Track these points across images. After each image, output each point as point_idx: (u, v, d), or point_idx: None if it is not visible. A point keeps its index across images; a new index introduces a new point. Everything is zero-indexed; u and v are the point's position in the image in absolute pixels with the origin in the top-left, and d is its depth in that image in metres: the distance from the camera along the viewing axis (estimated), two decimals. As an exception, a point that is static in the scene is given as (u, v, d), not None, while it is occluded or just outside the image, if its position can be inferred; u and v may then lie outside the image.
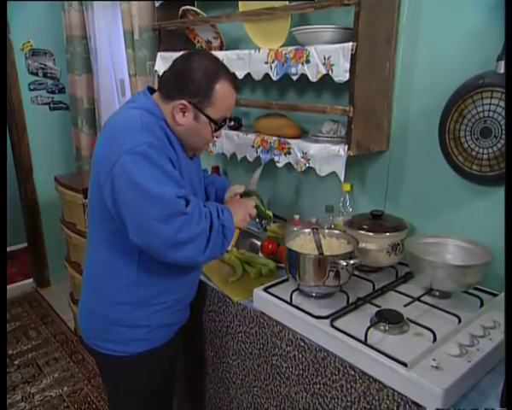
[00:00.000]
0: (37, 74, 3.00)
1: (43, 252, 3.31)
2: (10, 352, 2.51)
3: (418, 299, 1.15)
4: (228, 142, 1.76)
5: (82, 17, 2.67)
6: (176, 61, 1.15)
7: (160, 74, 2.00)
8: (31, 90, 3.00)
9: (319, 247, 1.17)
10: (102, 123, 2.78)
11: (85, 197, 2.26)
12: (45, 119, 3.09)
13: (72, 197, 2.35)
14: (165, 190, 1.03)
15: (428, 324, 1.03)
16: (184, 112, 1.11)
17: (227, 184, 1.42)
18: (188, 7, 1.76)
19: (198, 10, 1.73)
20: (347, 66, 1.24)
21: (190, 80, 1.09)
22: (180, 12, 1.80)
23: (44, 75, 3.04)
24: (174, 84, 1.11)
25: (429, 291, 1.19)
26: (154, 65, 2.17)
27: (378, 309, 1.11)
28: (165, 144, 1.08)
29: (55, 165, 3.10)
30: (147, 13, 2.16)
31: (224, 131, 1.77)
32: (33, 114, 3.02)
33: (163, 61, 1.97)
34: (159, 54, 1.99)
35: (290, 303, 1.19)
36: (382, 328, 1.05)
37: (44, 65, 3.02)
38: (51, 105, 3.12)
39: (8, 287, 3.17)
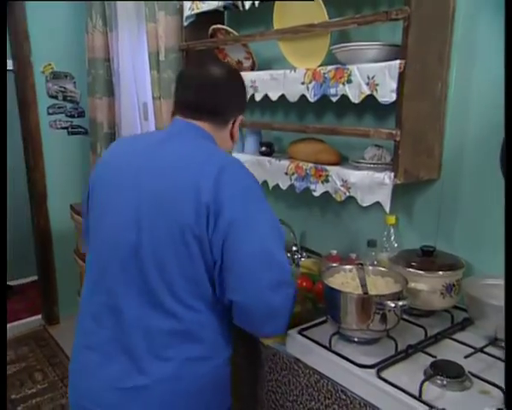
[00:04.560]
0: (56, 98, 3.12)
1: (54, 286, 3.33)
2: (13, 396, 2.50)
3: (481, 350, 1.09)
4: (259, 168, 1.75)
5: (105, 39, 2.78)
6: (215, 82, 1.12)
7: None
8: (49, 113, 3.11)
9: (364, 285, 1.12)
10: (122, 148, 2.85)
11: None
12: (63, 144, 3.19)
13: (87, 227, 2.39)
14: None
15: (496, 379, 0.96)
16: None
17: None
18: (218, 26, 1.81)
19: (229, 29, 1.77)
20: (394, 85, 1.23)
21: (243, 96, 1.23)
22: (210, 31, 1.85)
23: (64, 98, 3.16)
24: (232, 106, 1.17)
25: (493, 341, 1.12)
26: (179, 87, 2.23)
27: (433, 360, 1.05)
28: None
29: (71, 192, 3.16)
30: (173, 33, 2.23)
31: (256, 158, 1.78)
32: (51, 139, 3.12)
33: (190, 83, 2.02)
34: (186, 75, 2.04)
35: (329, 349, 1.14)
36: (439, 382, 0.98)
37: (64, 88, 3.14)
38: (69, 129, 3.22)
39: (14, 324, 3.21)
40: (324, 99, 1.45)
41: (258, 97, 1.68)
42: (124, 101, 2.81)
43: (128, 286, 1.03)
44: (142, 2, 2.36)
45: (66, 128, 3.20)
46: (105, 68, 2.84)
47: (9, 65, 3.16)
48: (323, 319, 1.26)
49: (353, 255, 1.60)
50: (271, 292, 0.98)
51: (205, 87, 1.12)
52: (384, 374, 1.02)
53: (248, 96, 1.72)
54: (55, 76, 3.09)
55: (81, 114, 3.24)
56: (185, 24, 1.97)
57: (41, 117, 3.07)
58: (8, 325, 2.89)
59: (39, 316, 3.41)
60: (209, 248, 0.98)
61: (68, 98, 3.17)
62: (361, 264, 1.17)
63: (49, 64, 3.04)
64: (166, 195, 1.00)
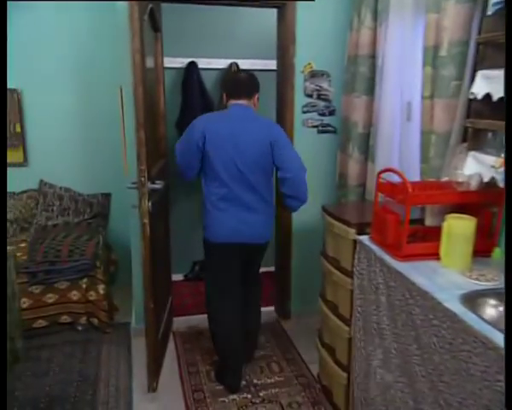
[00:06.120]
0: (311, 96, 3.24)
1: (289, 282, 3.50)
2: (256, 381, 2.71)
3: None
4: None
5: (373, 34, 2.72)
6: (250, 80, 2.63)
7: (479, 97, 1.81)
8: (303, 112, 3.25)
9: None
10: (378, 149, 2.76)
11: (358, 233, 2.24)
12: (312, 142, 3.29)
13: (341, 230, 2.38)
14: None
15: None
16: None
17: None
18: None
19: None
20: None
21: (258, 84, 2.66)
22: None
23: (318, 97, 3.25)
24: (256, 89, 2.63)
25: None
26: (460, 85, 2.02)
27: None
28: None
29: (320, 191, 3.26)
30: (462, 24, 2.02)
31: None
32: (302, 137, 3.25)
33: (485, 82, 1.78)
34: (480, 72, 1.81)
35: None
36: None
37: (320, 86, 3.23)
38: (320, 128, 3.31)
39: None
40: None
41: None
42: (384, 100, 2.70)
43: (239, 184, 2.48)
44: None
45: (316, 126, 3.30)
46: (368, 66, 2.79)
47: (273, 65, 3.43)
48: None
49: None
50: (303, 171, 2.55)
51: (247, 83, 2.56)
52: None
53: None
54: (313, 75, 3.20)
55: (332, 113, 3.30)
56: (489, 13, 1.74)
57: (296, 115, 3.23)
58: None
59: (272, 308, 3.64)
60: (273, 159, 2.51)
61: (322, 96, 3.26)
62: None
63: (309, 64, 3.17)
64: (255, 142, 2.47)
